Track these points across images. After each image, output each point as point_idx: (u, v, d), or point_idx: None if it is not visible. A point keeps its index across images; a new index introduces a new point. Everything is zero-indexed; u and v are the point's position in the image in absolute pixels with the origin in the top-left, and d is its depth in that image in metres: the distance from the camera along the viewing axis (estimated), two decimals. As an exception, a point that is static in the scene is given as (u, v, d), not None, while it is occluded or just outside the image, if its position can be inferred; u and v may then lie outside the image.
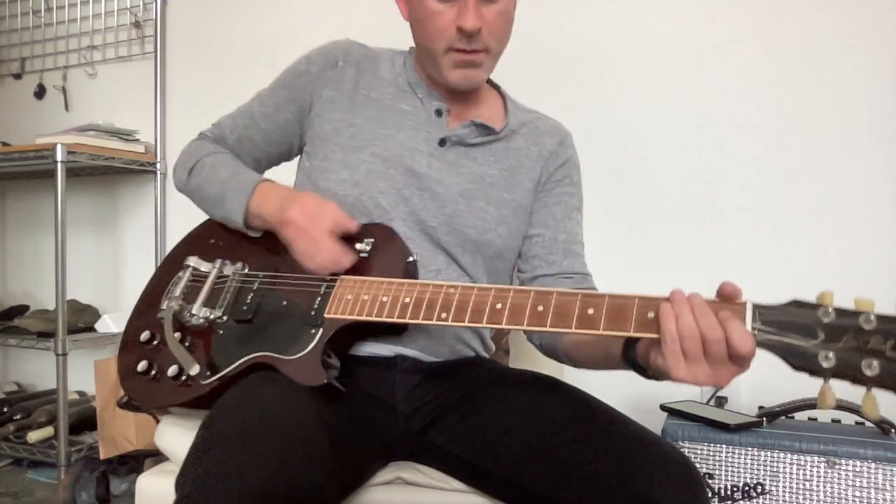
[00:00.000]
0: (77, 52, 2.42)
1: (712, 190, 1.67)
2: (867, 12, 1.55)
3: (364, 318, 0.89)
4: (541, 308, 0.79)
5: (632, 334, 0.73)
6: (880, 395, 0.64)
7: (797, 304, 0.68)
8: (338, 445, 0.81)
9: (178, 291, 1.04)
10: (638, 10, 1.74)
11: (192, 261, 1.06)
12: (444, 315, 0.83)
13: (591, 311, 0.76)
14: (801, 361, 0.66)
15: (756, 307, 0.69)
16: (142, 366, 1.01)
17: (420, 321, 0.85)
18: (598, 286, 1.09)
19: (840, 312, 0.65)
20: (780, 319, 0.67)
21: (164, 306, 1.05)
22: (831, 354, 0.64)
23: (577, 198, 1.13)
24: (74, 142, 1.98)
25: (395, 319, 0.87)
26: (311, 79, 1.07)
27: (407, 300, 0.87)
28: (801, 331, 0.66)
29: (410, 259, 0.97)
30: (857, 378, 0.64)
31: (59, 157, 1.91)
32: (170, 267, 1.12)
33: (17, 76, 2.54)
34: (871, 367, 0.63)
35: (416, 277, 0.96)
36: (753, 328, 0.68)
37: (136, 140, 2.22)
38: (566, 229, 1.09)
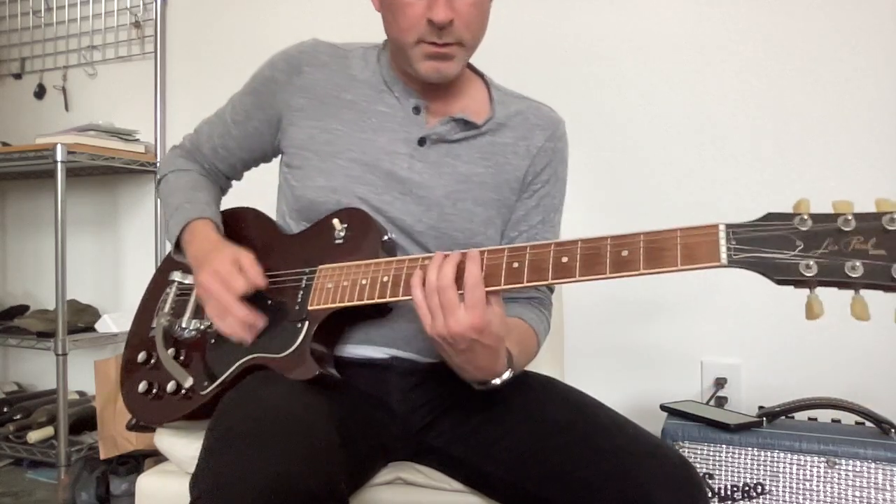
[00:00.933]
0: (77, 52, 2.42)
1: (712, 190, 1.67)
2: (867, 12, 1.55)
3: (346, 304, 0.89)
4: (516, 265, 0.78)
5: (609, 276, 0.72)
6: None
7: (772, 217, 0.65)
8: (346, 440, 0.81)
9: (166, 308, 1.06)
10: (638, 10, 1.74)
11: (177, 276, 1.07)
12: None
13: (565, 260, 0.75)
14: (783, 274, 0.63)
15: (729, 227, 0.67)
16: (142, 386, 1.03)
17: (401, 297, 0.85)
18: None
19: (817, 218, 0.63)
20: (755, 236, 0.65)
21: (154, 325, 1.07)
22: (812, 262, 0.62)
23: (558, 197, 1.10)
24: (74, 142, 1.98)
25: (375, 300, 0.86)
26: (278, 86, 1.04)
27: (385, 279, 0.86)
28: (778, 243, 0.64)
29: (386, 238, 0.96)
30: (842, 282, 0.61)
31: (59, 157, 1.91)
32: (158, 285, 1.14)
33: (17, 76, 2.54)
34: (855, 269, 0.61)
35: (394, 256, 0.95)
36: (729, 249, 0.66)
37: (136, 140, 2.22)
38: (537, 237, 1.06)
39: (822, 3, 1.59)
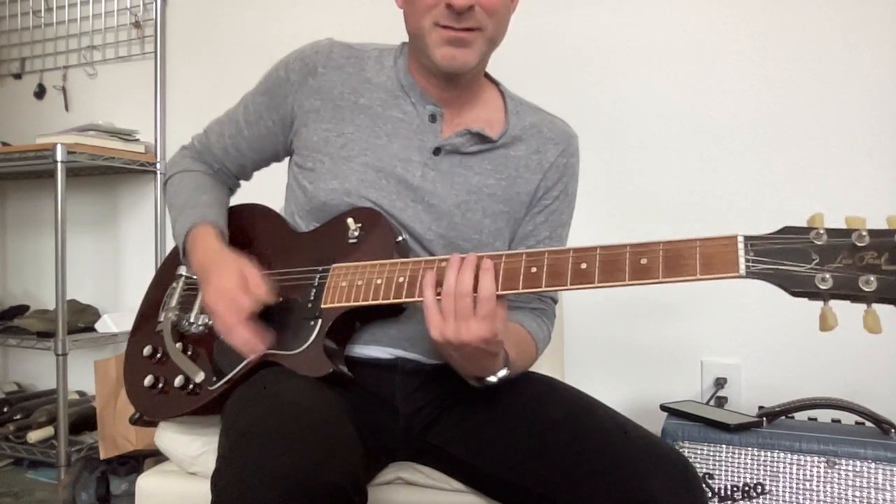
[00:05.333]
0: (77, 52, 2.42)
1: (712, 190, 1.67)
2: (868, 12, 1.55)
3: (361, 303, 0.89)
4: (534, 269, 0.78)
5: (628, 283, 0.73)
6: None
7: (788, 231, 0.67)
8: (360, 436, 0.82)
9: (173, 302, 1.05)
10: (638, 10, 1.74)
11: (184, 270, 1.07)
12: (439, 289, 0.82)
13: (583, 266, 0.76)
14: (799, 286, 0.66)
15: (747, 239, 0.68)
16: (148, 380, 1.02)
17: (416, 299, 0.84)
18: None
19: (832, 233, 0.65)
20: (772, 248, 0.67)
21: (161, 318, 1.06)
22: (828, 276, 0.64)
23: (567, 213, 1.10)
24: (74, 142, 1.98)
25: (391, 301, 0.86)
26: (292, 87, 1.03)
27: (401, 280, 0.86)
28: (794, 256, 0.66)
29: (400, 239, 0.95)
30: (855, 296, 0.64)
31: (59, 157, 1.91)
32: (163, 279, 1.13)
33: (17, 76, 2.54)
34: (869, 283, 0.63)
35: (407, 257, 0.94)
36: (747, 260, 0.67)
37: (136, 140, 2.22)
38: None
39: (822, 3, 1.59)
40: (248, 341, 0.89)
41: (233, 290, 0.90)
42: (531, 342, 1.02)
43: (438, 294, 0.80)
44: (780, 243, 0.67)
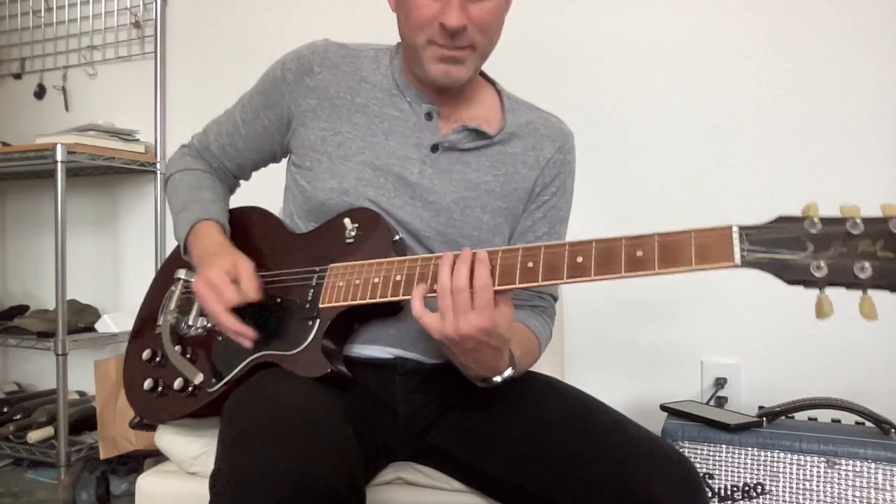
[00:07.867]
0: (77, 52, 2.42)
1: (713, 190, 1.67)
2: (868, 12, 1.55)
3: (359, 302, 0.89)
4: (530, 264, 0.78)
5: (624, 275, 0.73)
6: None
7: (783, 220, 0.67)
8: (359, 436, 0.82)
9: (172, 305, 1.05)
10: (638, 10, 1.74)
11: (182, 273, 1.07)
12: (436, 286, 0.82)
13: (579, 260, 0.76)
14: (794, 275, 0.66)
15: (742, 229, 0.68)
16: (147, 384, 1.03)
17: None
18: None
19: (826, 221, 0.65)
20: (767, 237, 0.67)
21: (160, 321, 1.06)
22: (822, 263, 0.64)
23: (565, 209, 1.10)
24: (74, 142, 1.98)
25: (388, 299, 0.86)
26: (288, 86, 1.03)
27: (398, 278, 0.86)
28: (790, 245, 0.66)
29: (397, 238, 0.96)
30: (851, 283, 0.64)
31: (59, 157, 1.91)
32: (162, 282, 1.13)
33: (17, 76, 2.54)
34: (864, 270, 0.63)
35: (405, 255, 0.94)
36: (742, 249, 0.67)
37: (136, 140, 2.22)
38: None
39: (823, 3, 1.59)
40: (233, 329, 0.91)
41: (220, 281, 0.91)
42: (534, 340, 1.02)
43: (433, 293, 0.81)
44: (774, 232, 0.67)
